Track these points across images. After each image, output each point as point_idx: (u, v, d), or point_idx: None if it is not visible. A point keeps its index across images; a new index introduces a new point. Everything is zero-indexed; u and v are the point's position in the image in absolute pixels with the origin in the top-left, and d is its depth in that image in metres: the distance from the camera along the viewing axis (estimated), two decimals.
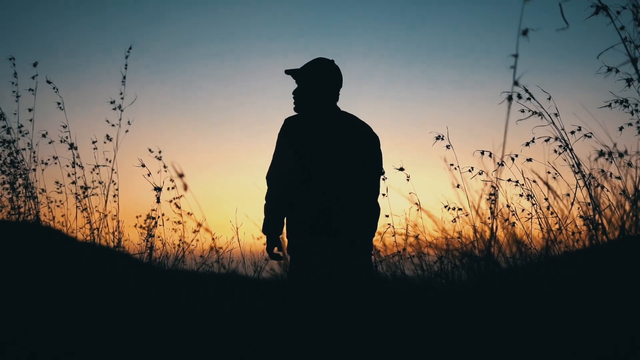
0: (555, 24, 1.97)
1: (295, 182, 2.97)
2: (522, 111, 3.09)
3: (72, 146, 3.81)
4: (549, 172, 2.94)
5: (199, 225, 2.25)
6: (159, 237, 3.73)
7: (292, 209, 3.00)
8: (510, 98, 1.95)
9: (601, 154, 2.26)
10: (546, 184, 2.22)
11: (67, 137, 3.76)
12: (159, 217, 3.66)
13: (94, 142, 3.89)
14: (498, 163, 3.35)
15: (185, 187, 2.24)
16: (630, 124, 2.83)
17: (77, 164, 3.89)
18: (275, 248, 3.05)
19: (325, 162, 2.96)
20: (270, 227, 3.04)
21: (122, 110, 4.08)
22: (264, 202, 3.08)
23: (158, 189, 3.35)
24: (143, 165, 3.69)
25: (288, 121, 3.05)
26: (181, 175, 2.25)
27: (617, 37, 2.28)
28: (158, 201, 3.39)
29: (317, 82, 3.04)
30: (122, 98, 4.09)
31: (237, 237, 3.72)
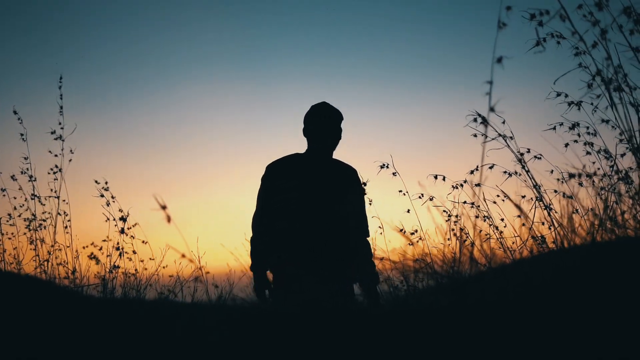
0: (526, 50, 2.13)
1: (277, 223, 3.05)
2: (475, 135, 3.28)
3: (31, 178, 3.74)
4: (524, 196, 3.08)
5: (183, 256, 2.28)
6: (119, 267, 3.68)
7: (277, 246, 3.05)
8: (485, 125, 2.09)
9: (571, 176, 2.43)
10: (517, 206, 2.36)
11: (27, 169, 3.70)
12: (120, 247, 3.62)
13: (54, 172, 3.84)
14: (453, 186, 3.53)
15: (169, 219, 2.26)
16: (576, 141, 3.04)
17: (36, 195, 3.83)
18: (267, 291, 3.09)
19: (305, 201, 3.03)
20: (255, 266, 3.09)
21: (63, 140, 4.07)
22: (250, 243, 3.15)
23: (123, 219, 3.33)
24: (102, 195, 3.68)
25: (268, 166, 3.16)
26: (164, 207, 2.28)
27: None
28: (122, 232, 3.36)
29: (304, 126, 3.17)
30: (62, 128, 4.09)
31: (199, 266, 3.72)
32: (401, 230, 3.82)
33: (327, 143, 3.11)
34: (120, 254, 3.50)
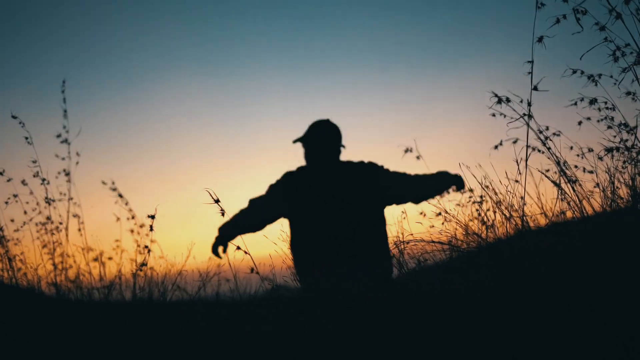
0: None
1: (265, 221, 3.33)
2: (493, 115, 3.34)
3: (44, 181, 3.71)
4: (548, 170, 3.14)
5: (238, 248, 2.30)
6: (146, 264, 3.68)
7: (302, 253, 3.20)
8: (530, 117, 2.15)
9: (609, 150, 2.51)
10: (555, 183, 2.44)
11: (38, 172, 3.67)
12: (149, 246, 3.60)
13: (66, 174, 3.85)
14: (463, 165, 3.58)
15: (223, 212, 2.29)
16: (589, 119, 3.11)
17: (51, 199, 3.80)
18: (221, 248, 3.34)
19: (325, 208, 3.15)
20: (226, 229, 3.33)
21: (69, 144, 4.08)
22: (235, 212, 3.37)
23: (152, 217, 3.32)
24: (120, 196, 3.71)
25: (287, 175, 3.37)
26: (217, 201, 2.30)
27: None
28: (151, 229, 3.35)
29: (313, 145, 3.38)
30: (67, 131, 4.11)
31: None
32: (421, 213, 3.87)
33: (328, 156, 3.35)
34: (148, 251, 3.51)
